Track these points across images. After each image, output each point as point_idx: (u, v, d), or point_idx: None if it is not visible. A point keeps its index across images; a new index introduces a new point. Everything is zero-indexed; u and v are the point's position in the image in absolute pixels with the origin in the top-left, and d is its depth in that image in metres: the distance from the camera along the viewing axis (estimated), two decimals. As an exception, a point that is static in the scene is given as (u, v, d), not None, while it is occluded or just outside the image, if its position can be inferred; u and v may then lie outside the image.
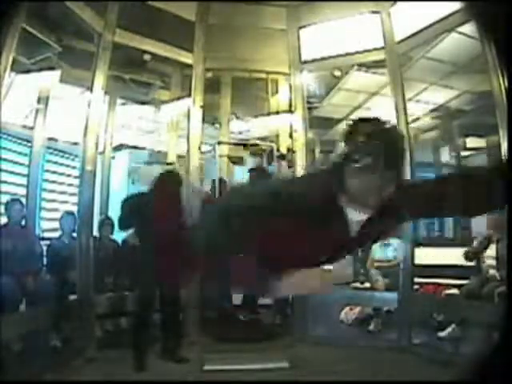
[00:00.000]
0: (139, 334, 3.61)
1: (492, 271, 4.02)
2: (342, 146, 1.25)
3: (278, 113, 5.52)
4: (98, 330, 4.13)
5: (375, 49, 4.75)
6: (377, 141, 1.19)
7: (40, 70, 4.55)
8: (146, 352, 3.54)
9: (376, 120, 1.30)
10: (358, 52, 4.87)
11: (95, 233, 4.46)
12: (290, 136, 5.20)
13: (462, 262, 4.35)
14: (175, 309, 3.79)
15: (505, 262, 3.74)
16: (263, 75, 5.47)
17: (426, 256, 4.86)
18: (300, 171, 4.96)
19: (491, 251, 4.11)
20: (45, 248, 4.24)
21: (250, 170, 4.95)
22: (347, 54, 4.93)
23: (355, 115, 7.25)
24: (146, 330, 3.63)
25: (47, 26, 4.37)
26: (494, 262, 4.05)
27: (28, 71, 4.51)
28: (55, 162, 6.03)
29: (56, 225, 4.64)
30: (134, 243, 4.68)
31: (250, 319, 4.62)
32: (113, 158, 6.21)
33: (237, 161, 5.87)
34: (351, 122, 1.30)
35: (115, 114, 5.92)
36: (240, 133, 5.55)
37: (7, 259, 3.50)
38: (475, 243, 4.22)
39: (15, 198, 4.15)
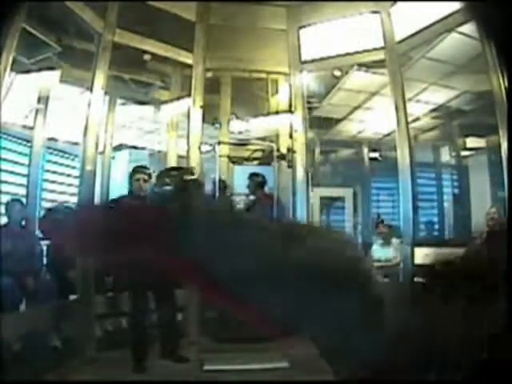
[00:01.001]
0: (136, 335, 3.60)
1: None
2: None
3: (277, 113, 5.51)
4: (98, 330, 4.12)
5: (375, 49, 4.76)
6: None
7: (40, 70, 4.55)
8: (144, 353, 3.53)
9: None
10: (357, 52, 4.87)
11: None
12: (290, 136, 5.20)
13: (461, 262, 4.34)
14: (171, 308, 3.77)
15: (505, 261, 3.73)
16: (263, 75, 5.47)
17: (426, 256, 4.85)
18: (300, 171, 4.96)
19: None
20: (45, 248, 4.24)
21: (252, 175, 4.96)
22: (347, 54, 4.93)
23: (355, 115, 7.27)
24: (142, 331, 3.62)
25: (47, 26, 4.37)
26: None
27: (28, 71, 4.51)
28: (55, 162, 6.03)
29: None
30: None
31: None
32: (113, 158, 6.22)
33: (237, 161, 5.87)
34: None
35: (115, 113, 5.92)
36: (240, 133, 5.54)
37: (7, 259, 3.50)
38: (475, 243, 4.21)
39: (15, 198, 4.15)
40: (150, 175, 3.83)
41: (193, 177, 1.77)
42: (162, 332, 3.76)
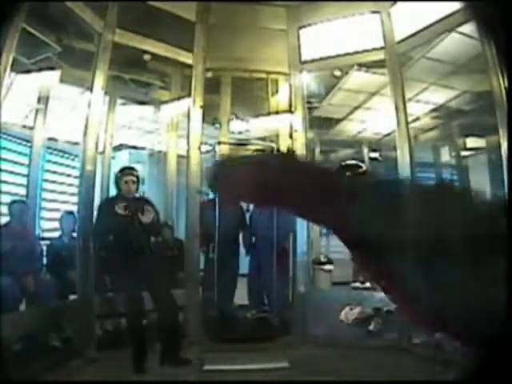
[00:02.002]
0: (135, 337, 3.60)
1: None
2: None
3: (277, 113, 5.51)
4: (98, 330, 4.12)
5: (375, 49, 4.75)
6: None
7: (40, 70, 4.55)
8: (145, 354, 3.52)
9: None
10: (357, 52, 4.87)
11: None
12: (290, 136, 5.20)
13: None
14: (171, 311, 3.72)
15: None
16: (263, 75, 5.46)
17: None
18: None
19: None
20: (45, 248, 4.25)
21: None
22: (347, 54, 4.93)
23: (355, 115, 7.27)
24: (142, 332, 3.61)
25: (47, 25, 4.37)
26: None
27: (28, 71, 4.51)
28: (55, 162, 6.04)
29: (56, 225, 4.65)
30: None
31: (254, 319, 4.64)
32: (113, 158, 6.22)
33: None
34: None
35: (115, 114, 5.92)
36: (240, 133, 5.54)
37: (7, 259, 3.50)
38: None
39: (19, 200, 4.15)
40: (137, 177, 3.82)
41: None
42: (162, 336, 3.71)
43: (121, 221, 3.57)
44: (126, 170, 3.87)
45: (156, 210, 3.87)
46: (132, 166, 4.48)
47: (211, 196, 4.80)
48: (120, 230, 3.61)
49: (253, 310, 4.78)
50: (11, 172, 4.99)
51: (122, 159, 7.08)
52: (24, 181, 4.94)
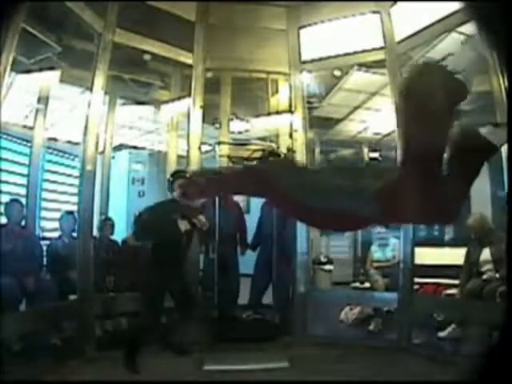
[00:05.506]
0: (140, 335, 3.60)
1: (490, 274, 4.00)
2: None
3: (278, 113, 5.51)
4: (97, 330, 4.13)
5: (375, 49, 4.75)
6: None
7: (40, 70, 4.54)
8: (141, 353, 3.51)
9: None
10: (357, 52, 4.87)
11: (95, 233, 4.47)
12: (290, 136, 5.20)
13: (461, 262, 4.35)
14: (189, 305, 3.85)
15: (502, 262, 3.73)
16: (263, 75, 5.46)
17: (425, 256, 4.86)
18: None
19: (486, 256, 4.08)
20: (45, 248, 4.25)
21: None
22: (347, 54, 4.92)
23: (355, 115, 7.27)
24: (151, 332, 3.63)
25: (47, 26, 4.37)
26: (491, 266, 4.02)
27: (28, 71, 4.51)
28: (55, 162, 6.04)
29: (56, 225, 4.65)
30: (134, 244, 4.69)
31: (251, 319, 4.63)
32: (113, 157, 6.22)
33: (237, 161, 5.85)
34: None
35: (115, 114, 5.92)
36: (240, 133, 5.54)
37: (7, 259, 3.50)
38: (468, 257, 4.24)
39: (14, 199, 4.15)
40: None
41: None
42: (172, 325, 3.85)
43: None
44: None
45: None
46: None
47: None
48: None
49: (249, 310, 4.78)
50: (11, 172, 4.99)
51: (122, 159, 7.08)
52: (24, 181, 4.94)
